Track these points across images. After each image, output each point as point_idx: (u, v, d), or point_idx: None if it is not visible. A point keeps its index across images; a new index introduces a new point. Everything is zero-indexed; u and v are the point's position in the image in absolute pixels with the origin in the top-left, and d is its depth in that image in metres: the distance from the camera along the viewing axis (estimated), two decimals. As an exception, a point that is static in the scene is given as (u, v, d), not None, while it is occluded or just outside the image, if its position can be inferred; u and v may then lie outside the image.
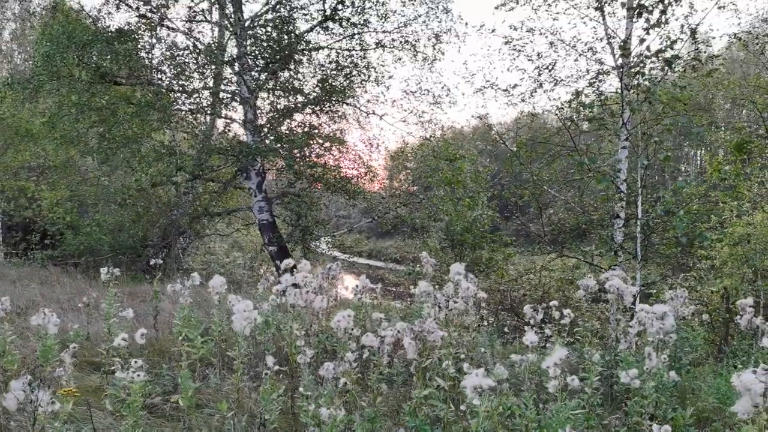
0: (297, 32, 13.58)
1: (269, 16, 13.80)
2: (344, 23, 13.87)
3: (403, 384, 4.26)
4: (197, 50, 13.77)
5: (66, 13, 14.46)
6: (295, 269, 5.55)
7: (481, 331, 5.53)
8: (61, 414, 2.62)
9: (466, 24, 20.83)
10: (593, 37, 10.02)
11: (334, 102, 14.17)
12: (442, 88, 14.24)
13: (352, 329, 3.80)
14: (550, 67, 10.21)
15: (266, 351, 4.48)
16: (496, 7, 10.83)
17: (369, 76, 13.99)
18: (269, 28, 13.41)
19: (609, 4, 9.52)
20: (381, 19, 14.03)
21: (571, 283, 11.00)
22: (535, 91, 10.37)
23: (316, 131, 14.08)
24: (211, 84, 14.21)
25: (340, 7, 13.53)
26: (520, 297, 11.82)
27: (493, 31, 10.95)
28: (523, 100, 10.55)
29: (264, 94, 14.29)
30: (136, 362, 3.59)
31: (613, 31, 9.52)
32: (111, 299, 6.05)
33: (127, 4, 13.43)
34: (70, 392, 2.86)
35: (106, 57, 12.68)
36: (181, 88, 13.36)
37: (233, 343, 5.79)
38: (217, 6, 14.24)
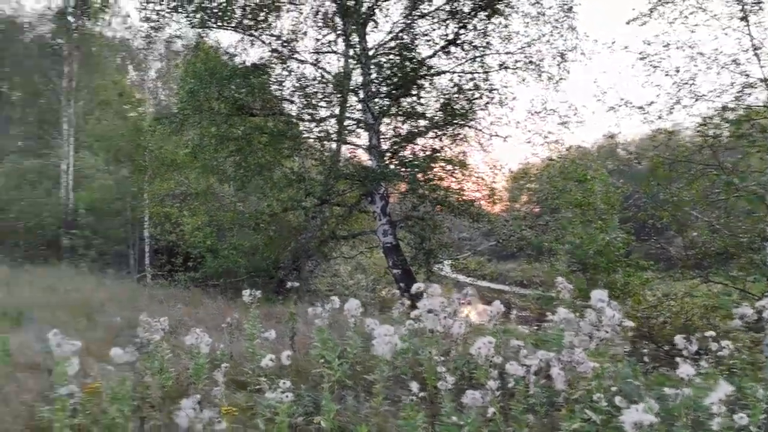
0: (419, 58, 13.81)
1: (392, 44, 14.16)
2: (466, 46, 13.92)
3: (545, 415, 4.11)
4: (324, 80, 14.39)
5: (206, 51, 15.60)
6: (424, 293, 5.57)
7: (624, 361, 5.24)
8: (224, 432, 2.78)
9: (595, 41, 20.15)
10: (737, 49, 9.38)
11: (456, 125, 14.20)
12: (569, 107, 13.81)
13: (493, 356, 3.74)
14: (689, 83, 9.64)
15: (403, 375, 4.50)
16: (628, 22, 10.44)
17: (492, 98, 13.88)
18: (393, 56, 13.74)
19: (755, 14, 8.87)
20: (504, 40, 13.92)
21: (717, 311, 10.17)
22: (673, 108, 9.82)
23: (439, 155, 14.17)
24: (336, 112, 14.74)
25: (462, 31, 13.61)
26: (659, 324, 11.09)
27: (626, 47, 10.53)
28: (659, 117, 10.02)
29: (387, 120, 14.62)
30: (284, 383, 3.73)
31: (759, 41, 8.87)
32: (254, 320, 6.37)
33: (261, 40, 14.33)
34: (230, 411, 3.02)
35: (242, 90, 13.52)
36: (310, 117, 13.99)
37: (368, 366, 5.89)
38: (342, 37, 14.78)
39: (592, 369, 3.20)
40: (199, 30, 14.17)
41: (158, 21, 13.91)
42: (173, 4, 13.22)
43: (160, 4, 13.51)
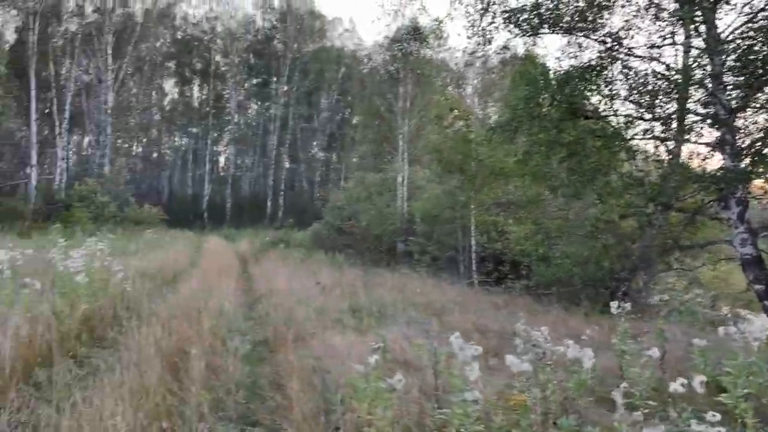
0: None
1: (750, 25, 12.28)
2: None
3: None
4: (663, 75, 13.15)
5: (531, 59, 15.60)
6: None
7: None
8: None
9: None
10: None
11: None
12: None
13: None
14: None
15: None
16: None
17: None
18: (754, 39, 11.89)
19: None
20: None
21: None
22: None
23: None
24: (675, 108, 13.40)
25: None
26: None
27: None
28: None
29: (742, 113, 12.75)
30: (714, 416, 3.27)
31: None
32: (623, 335, 5.95)
33: (592, 39, 13.71)
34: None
35: (576, 93, 13.09)
36: (651, 116, 12.92)
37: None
38: (683, 26, 13.38)
39: None
40: (529, 37, 14.16)
41: (488, 35, 14.28)
42: (506, 14, 13.42)
43: (492, 19, 13.87)
